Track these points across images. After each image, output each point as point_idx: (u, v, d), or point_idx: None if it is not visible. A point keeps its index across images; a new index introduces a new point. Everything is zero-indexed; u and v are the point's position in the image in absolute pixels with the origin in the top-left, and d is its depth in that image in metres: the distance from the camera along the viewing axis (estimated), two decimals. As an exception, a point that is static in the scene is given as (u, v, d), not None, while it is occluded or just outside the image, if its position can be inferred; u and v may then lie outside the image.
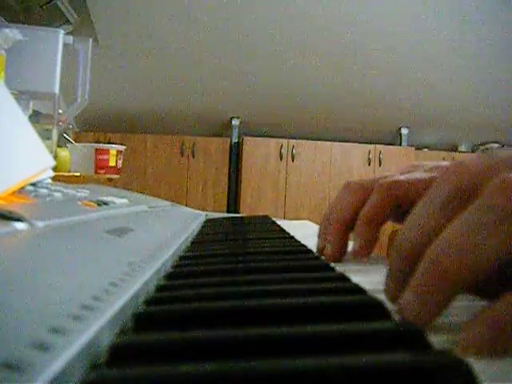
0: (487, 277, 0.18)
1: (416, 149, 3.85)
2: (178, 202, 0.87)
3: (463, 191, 0.20)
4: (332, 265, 0.29)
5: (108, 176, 1.51)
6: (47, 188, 0.49)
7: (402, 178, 0.33)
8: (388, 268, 0.22)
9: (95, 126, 3.70)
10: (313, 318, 0.18)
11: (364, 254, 0.33)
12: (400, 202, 0.33)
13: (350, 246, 0.35)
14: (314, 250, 0.37)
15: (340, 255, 0.36)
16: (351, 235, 0.37)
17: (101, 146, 1.52)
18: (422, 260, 0.19)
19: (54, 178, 0.62)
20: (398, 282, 0.21)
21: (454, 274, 0.18)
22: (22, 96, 1.05)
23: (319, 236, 0.38)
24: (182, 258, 0.33)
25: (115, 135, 3.57)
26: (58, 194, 0.44)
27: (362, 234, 0.33)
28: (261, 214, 0.80)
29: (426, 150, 4.01)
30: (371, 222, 0.33)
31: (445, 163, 0.34)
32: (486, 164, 0.21)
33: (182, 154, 3.69)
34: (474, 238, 0.18)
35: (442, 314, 0.18)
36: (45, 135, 1.20)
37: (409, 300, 0.19)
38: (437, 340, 0.16)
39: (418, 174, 0.33)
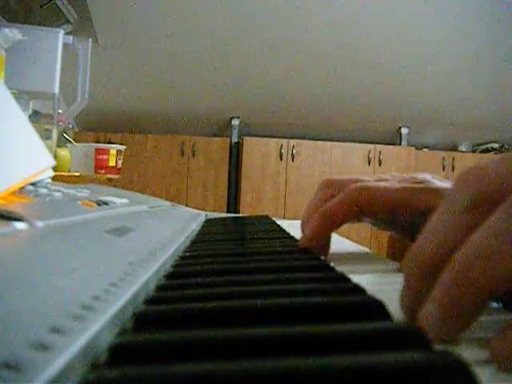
0: None
1: (416, 148, 3.85)
2: (178, 202, 0.87)
3: (485, 198, 0.19)
4: (332, 265, 0.29)
5: (108, 176, 1.51)
6: (47, 188, 0.49)
7: (369, 184, 0.34)
8: (405, 280, 0.21)
9: (95, 126, 3.70)
10: (313, 317, 0.18)
11: (308, 244, 0.34)
12: (363, 207, 0.34)
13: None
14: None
15: (325, 249, 0.37)
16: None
17: (101, 145, 1.52)
18: (445, 269, 0.17)
19: (54, 178, 0.62)
20: (416, 295, 0.20)
21: (483, 284, 0.16)
22: (21, 96, 1.05)
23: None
24: (181, 257, 0.33)
25: (115, 135, 3.57)
26: (57, 194, 0.44)
27: (313, 224, 0.34)
28: (261, 214, 0.80)
29: (425, 149, 4.01)
30: (326, 217, 0.34)
31: (420, 176, 0.36)
32: (505, 168, 0.19)
33: (182, 154, 3.69)
34: (503, 245, 0.16)
35: (465, 330, 0.17)
36: (45, 135, 1.20)
37: (431, 313, 0.17)
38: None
39: (388, 184, 0.34)
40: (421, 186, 0.34)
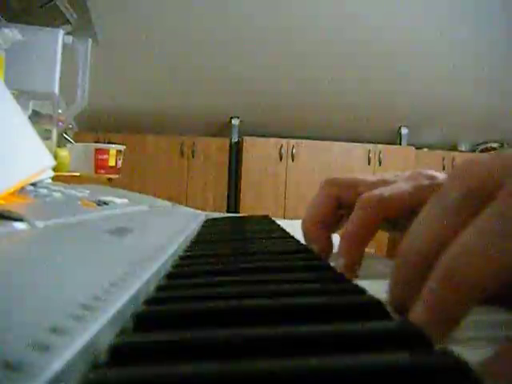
0: (507, 286, 0.17)
1: (416, 148, 3.85)
2: (178, 202, 0.87)
3: (474, 194, 0.19)
4: (332, 265, 0.29)
5: (108, 176, 1.51)
6: (47, 188, 0.49)
7: (386, 194, 0.31)
8: (391, 277, 0.21)
9: (95, 126, 3.69)
10: (313, 318, 0.18)
11: (349, 275, 0.31)
12: (387, 218, 0.31)
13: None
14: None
15: (327, 251, 0.37)
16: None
17: (101, 145, 1.52)
18: (434, 268, 0.17)
19: (53, 178, 0.62)
20: (404, 293, 0.20)
21: (469, 285, 0.16)
22: (21, 96, 1.05)
23: (303, 236, 0.38)
24: (182, 257, 0.33)
25: (115, 135, 3.56)
26: (57, 194, 0.44)
27: (347, 255, 0.31)
28: (261, 214, 0.80)
29: (425, 149, 4.01)
30: (355, 242, 0.31)
31: (425, 172, 0.34)
32: (497, 164, 0.19)
33: (181, 154, 3.69)
34: (493, 244, 0.16)
35: (458, 327, 0.17)
36: (45, 135, 1.20)
37: (420, 313, 0.17)
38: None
39: (402, 186, 0.32)
40: (430, 182, 0.32)
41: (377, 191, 0.32)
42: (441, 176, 0.33)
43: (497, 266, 0.16)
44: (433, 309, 0.17)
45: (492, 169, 0.19)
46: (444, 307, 0.17)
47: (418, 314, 0.17)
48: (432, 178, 0.33)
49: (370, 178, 0.36)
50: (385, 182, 0.34)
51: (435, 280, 0.17)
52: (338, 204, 0.37)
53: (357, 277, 0.31)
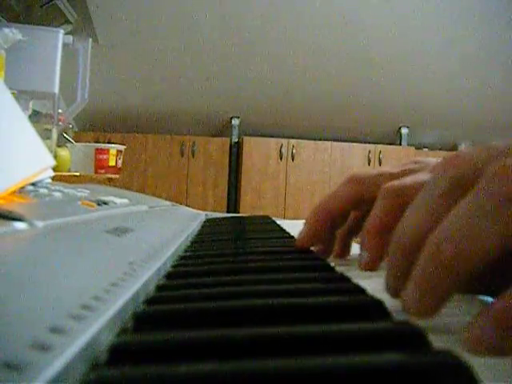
0: (490, 267, 0.18)
1: (416, 148, 3.85)
2: (178, 202, 0.87)
3: (461, 182, 0.20)
4: (332, 264, 0.29)
5: (108, 176, 1.51)
6: (47, 188, 0.48)
7: (408, 182, 0.30)
8: (388, 263, 0.22)
9: (95, 126, 3.70)
10: (313, 317, 0.18)
11: (373, 268, 0.30)
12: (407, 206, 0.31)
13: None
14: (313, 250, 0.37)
15: (328, 251, 0.36)
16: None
17: (101, 145, 1.52)
18: (422, 251, 0.19)
19: (53, 178, 0.62)
20: (398, 277, 0.21)
21: (455, 263, 0.17)
22: (21, 96, 1.05)
23: (306, 223, 0.36)
24: (182, 257, 0.33)
25: (115, 135, 3.57)
26: (57, 194, 0.44)
27: (370, 247, 0.30)
28: (261, 214, 0.80)
29: (425, 149, 4.01)
30: (377, 234, 0.30)
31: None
32: (483, 154, 0.20)
33: (181, 153, 3.69)
34: (474, 225, 0.17)
35: (445, 305, 0.18)
36: (45, 135, 1.20)
37: (410, 292, 0.19)
38: (436, 340, 0.16)
39: (424, 176, 0.30)
40: None
41: (398, 181, 0.31)
42: None
43: (478, 245, 0.17)
44: (421, 287, 0.18)
45: (477, 158, 0.20)
46: (431, 285, 0.18)
47: (408, 291, 0.19)
48: None
49: (394, 169, 0.34)
50: (411, 171, 0.33)
51: (423, 260, 0.18)
52: (358, 202, 0.35)
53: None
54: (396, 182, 0.31)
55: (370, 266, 0.30)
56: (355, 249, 0.45)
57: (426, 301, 0.18)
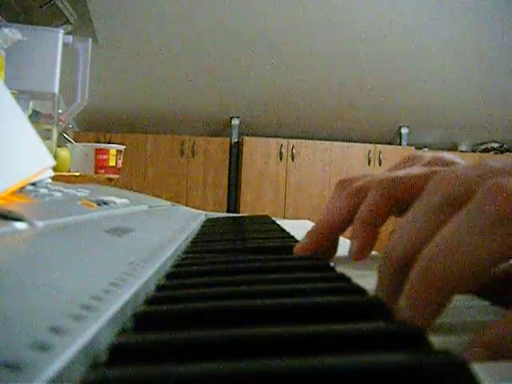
0: (483, 280, 0.18)
1: (416, 148, 3.85)
2: (178, 202, 0.87)
3: (454, 198, 0.20)
4: (332, 264, 0.29)
5: (108, 176, 1.51)
6: (47, 188, 0.49)
7: (400, 174, 0.30)
8: (378, 275, 0.22)
9: (95, 126, 3.70)
10: (313, 317, 0.18)
11: (361, 257, 0.31)
12: (400, 199, 0.30)
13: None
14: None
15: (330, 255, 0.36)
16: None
17: (101, 145, 1.52)
18: (413, 266, 0.19)
19: (53, 178, 0.62)
20: (388, 290, 0.21)
21: (444, 279, 0.18)
22: (21, 96, 1.05)
23: (307, 236, 0.35)
24: (182, 258, 0.33)
25: (115, 135, 3.56)
26: (57, 194, 0.44)
27: (359, 236, 0.31)
28: (261, 213, 0.80)
29: (425, 149, 4.01)
30: (369, 224, 0.31)
31: (445, 155, 0.32)
32: (477, 172, 0.21)
33: (181, 153, 3.69)
34: (466, 242, 0.18)
35: (436, 319, 0.18)
36: (45, 135, 1.20)
37: (402, 307, 0.19)
38: (436, 340, 0.16)
39: (417, 169, 0.30)
40: (445, 168, 0.30)
41: (390, 173, 0.31)
42: (462, 161, 0.32)
43: (469, 262, 0.17)
44: (413, 302, 0.18)
45: (470, 176, 0.21)
46: (423, 300, 0.18)
47: (401, 307, 0.19)
48: (455, 163, 0.31)
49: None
50: (404, 167, 0.33)
51: (415, 275, 0.19)
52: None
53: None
54: (389, 174, 0.31)
55: (360, 256, 0.31)
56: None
57: (417, 316, 0.18)
